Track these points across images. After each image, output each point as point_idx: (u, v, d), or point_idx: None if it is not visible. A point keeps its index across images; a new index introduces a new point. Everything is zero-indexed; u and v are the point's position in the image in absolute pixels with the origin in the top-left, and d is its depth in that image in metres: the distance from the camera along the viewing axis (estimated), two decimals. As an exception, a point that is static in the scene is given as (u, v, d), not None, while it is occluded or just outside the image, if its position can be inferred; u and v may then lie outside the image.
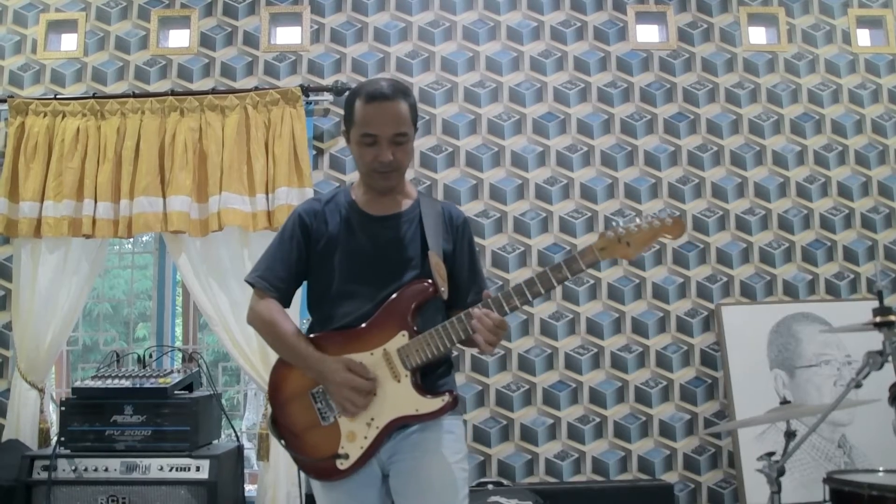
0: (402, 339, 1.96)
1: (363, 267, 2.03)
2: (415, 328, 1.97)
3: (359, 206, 2.10)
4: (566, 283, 1.95)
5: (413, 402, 1.94)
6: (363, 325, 1.99)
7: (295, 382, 2.03)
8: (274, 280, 2.09)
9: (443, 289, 2.00)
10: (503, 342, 3.73)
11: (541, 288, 1.89)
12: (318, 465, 1.97)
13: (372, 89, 1.98)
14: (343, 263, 2.04)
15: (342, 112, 3.93)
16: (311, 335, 2.05)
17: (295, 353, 2.02)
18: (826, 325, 3.66)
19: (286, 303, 2.12)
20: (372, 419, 1.94)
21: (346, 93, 2.07)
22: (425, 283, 2.00)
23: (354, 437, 1.95)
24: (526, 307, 3.75)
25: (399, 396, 1.94)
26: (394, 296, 1.99)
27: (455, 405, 1.96)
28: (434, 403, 1.94)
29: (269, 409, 2.09)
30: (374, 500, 2.01)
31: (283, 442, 2.03)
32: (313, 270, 2.10)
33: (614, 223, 1.91)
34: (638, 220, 1.90)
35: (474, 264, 2.16)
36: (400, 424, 1.95)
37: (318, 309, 2.10)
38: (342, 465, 1.94)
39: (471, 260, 2.14)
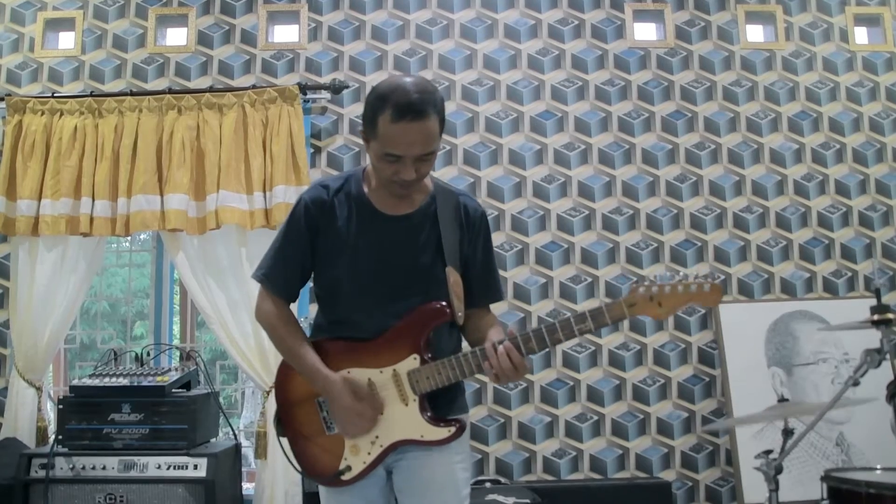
0: (412, 362, 1.91)
1: (374, 272, 1.95)
2: (427, 354, 1.91)
3: (371, 202, 1.98)
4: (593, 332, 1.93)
5: (418, 428, 1.91)
6: (374, 339, 1.94)
7: (301, 386, 2.00)
8: (281, 279, 2.02)
9: (459, 314, 1.95)
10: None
11: (562, 336, 1.83)
12: (320, 475, 1.98)
13: (402, 102, 1.76)
14: (352, 266, 1.96)
15: (339, 111, 3.96)
16: (318, 338, 2.00)
17: (301, 363, 1.96)
18: (824, 323, 3.66)
19: (293, 299, 2.07)
20: (377, 437, 1.93)
21: (370, 92, 1.86)
22: (442, 307, 1.93)
23: (358, 450, 1.94)
24: (524, 305, 3.76)
25: (405, 419, 1.92)
26: (408, 316, 1.92)
27: (461, 435, 1.94)
28: (440, 432, 1.91)
29: (276, 407, 2.06)
30: (379, 498, 2.01)
31: (288, 442, 2.02)
32: (319, 266, 2.02)
33: (648, 280, 1.80)
34: (674, 279, 1.79)
35: (489, 264, 2.07)
36: (402, 445, 1.94)
37: (329, 310, 2.04)
38: (346, 477, 1.94)
39: (485, 259, 2.06)
